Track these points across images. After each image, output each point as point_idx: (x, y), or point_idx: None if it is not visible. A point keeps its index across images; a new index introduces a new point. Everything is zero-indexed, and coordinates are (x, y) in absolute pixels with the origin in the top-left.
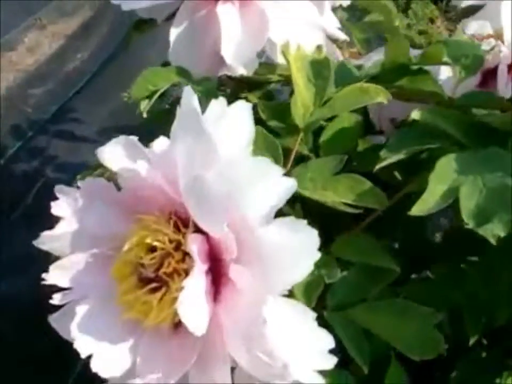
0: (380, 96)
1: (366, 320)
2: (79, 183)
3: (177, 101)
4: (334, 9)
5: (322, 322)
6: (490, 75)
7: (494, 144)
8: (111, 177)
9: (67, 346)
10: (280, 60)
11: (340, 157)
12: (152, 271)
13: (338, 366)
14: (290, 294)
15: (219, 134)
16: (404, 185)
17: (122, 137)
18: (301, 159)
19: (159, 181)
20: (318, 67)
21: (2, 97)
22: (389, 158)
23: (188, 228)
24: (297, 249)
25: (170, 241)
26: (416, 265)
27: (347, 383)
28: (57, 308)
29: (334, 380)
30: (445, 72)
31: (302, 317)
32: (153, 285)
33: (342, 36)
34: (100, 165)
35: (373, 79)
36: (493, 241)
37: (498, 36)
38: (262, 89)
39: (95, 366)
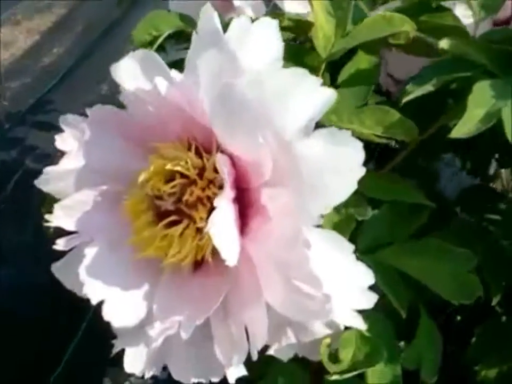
0: (405, 25)
1: (400, 262)
2: (87, 111)
3: None
4: None
5: None
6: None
7: None
8: None
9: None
10: (287, 8)
11: (367, 88)
12: (172, 203)
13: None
14: None
15: (244, 52)
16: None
17: (139, 51)
18: None
19: (179, 100)
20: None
21: None
22: (416, 91)
23: (211, 153)
24: (340, 164)
25: (193, 167)
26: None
27: (385, 328)
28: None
29: (371, 324)
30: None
31: (339, 249)
32: (173, 217)
33: None
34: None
35: None
36: None
37: None
38: None
39: (107, 314)
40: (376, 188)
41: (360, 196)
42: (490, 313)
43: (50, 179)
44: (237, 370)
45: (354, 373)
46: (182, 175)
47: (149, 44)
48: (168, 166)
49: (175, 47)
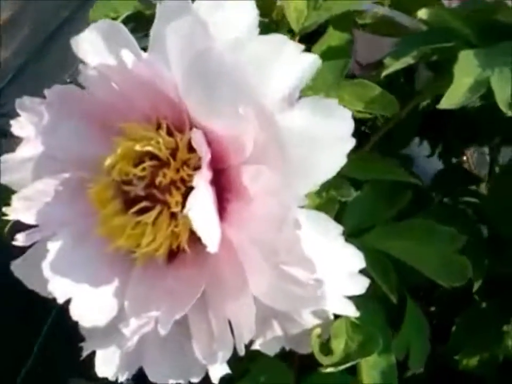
0: None
1: (386, 245)
2: (45, 92)
3: None
4: None
5: None
6: None
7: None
8: None
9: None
10: None
11: (343, 62)
12: (143, 188)
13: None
14: None
15: (216, 19)
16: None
17: (104, 22)
18: None
19: (147, 75)
20: None
21: None
22: (395, 64)
23: (184, 133)
24: (328, 135)
25: (165, 147)
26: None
27: (376, 314)
28: None
29: (362, 311)
30: None
31: (326, 231)
32: (144, 203)
33: None
34: None
35: None
36: None
37: None
38: None
39: (75, 314)
40: (357, 167)
41: (341, 177)
42: (469, 302)
43: (7, 169)
44: (220, 369)
45: (348, 364)
46: (152, 157)
47: None
48: (138, 147)
49: (133, 35)
